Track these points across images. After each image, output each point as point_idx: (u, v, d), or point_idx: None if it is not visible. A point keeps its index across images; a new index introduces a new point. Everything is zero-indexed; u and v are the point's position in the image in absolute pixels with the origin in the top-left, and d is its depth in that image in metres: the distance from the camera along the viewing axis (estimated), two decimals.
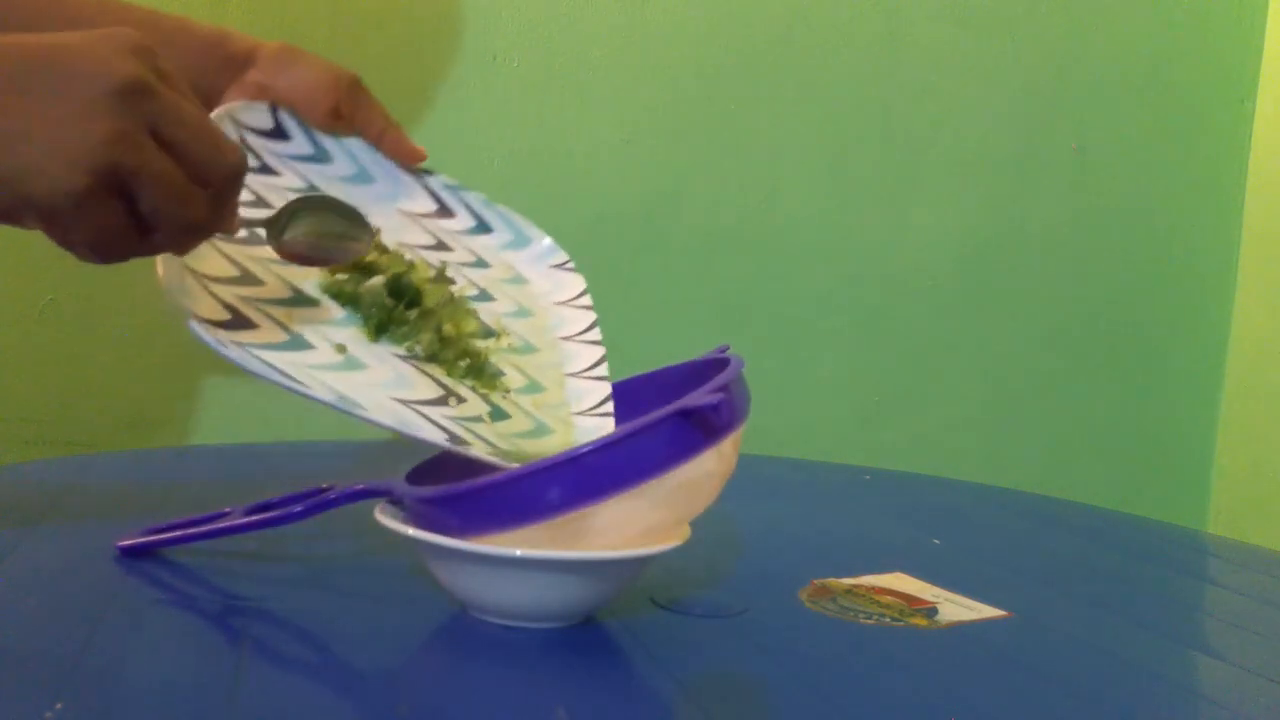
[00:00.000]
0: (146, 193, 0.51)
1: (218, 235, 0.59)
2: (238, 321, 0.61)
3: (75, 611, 0.59)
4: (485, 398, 0.69)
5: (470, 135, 1.32)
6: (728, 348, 0.65)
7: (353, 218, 0.66)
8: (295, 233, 0.63)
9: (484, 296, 0.76)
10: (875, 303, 1.48)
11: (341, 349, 0.65)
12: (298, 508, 0.65)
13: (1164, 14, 1.54)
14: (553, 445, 0.68)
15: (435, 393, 0.67)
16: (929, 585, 0.74)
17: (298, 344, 0.64)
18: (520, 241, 0.82)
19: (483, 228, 0.81)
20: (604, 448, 0.56)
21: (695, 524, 0.62)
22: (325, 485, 0.66)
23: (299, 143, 0.77)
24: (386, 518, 0.60)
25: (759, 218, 1.43)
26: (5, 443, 1.24)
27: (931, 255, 1.49)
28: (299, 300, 0.67)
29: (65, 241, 0.53)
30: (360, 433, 1.24)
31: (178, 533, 0.69)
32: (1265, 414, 1.57)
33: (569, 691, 0.54)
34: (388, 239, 0.74)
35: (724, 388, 0.57)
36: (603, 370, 0.75)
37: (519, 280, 0.80)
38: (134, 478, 0.93)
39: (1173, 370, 1.61)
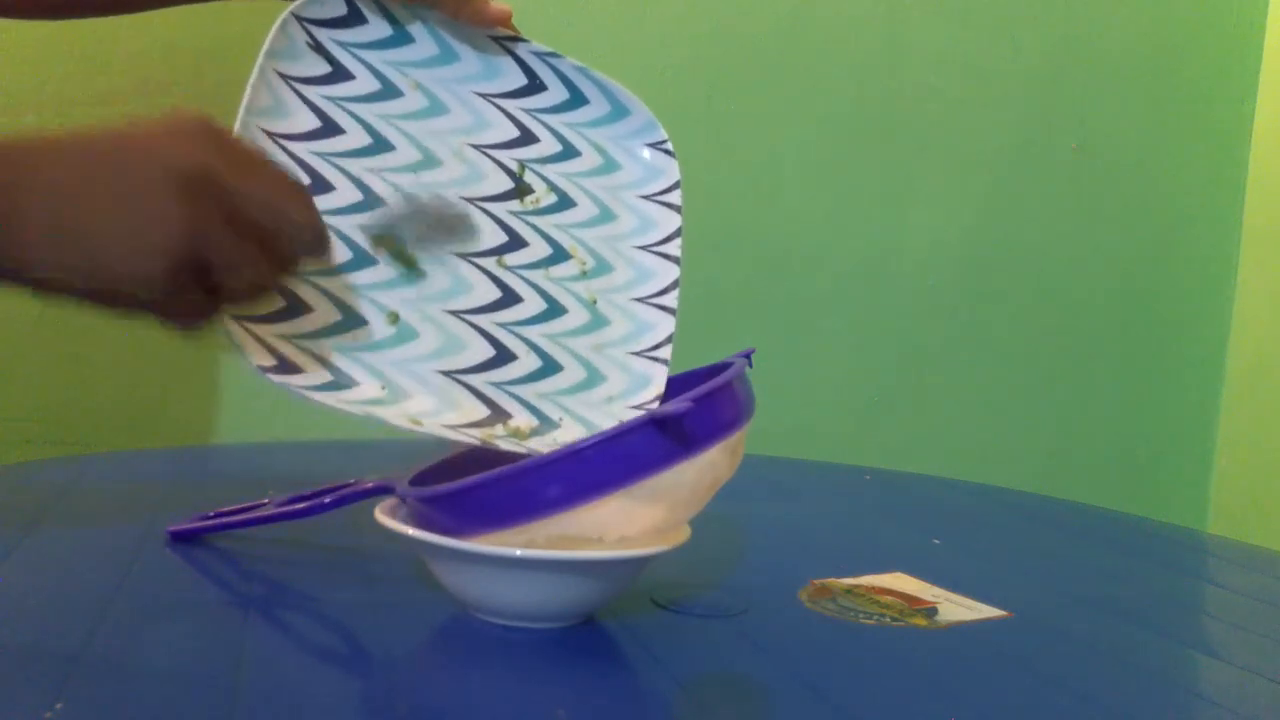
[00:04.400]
0: (221, 273, 0.54)
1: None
2: (284, 366, 0.61)
3: (75, 611, 0.59)
4: (539, 351, 0.69)
5: None
6: (753, 351, 0.64)
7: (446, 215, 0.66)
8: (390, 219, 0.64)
9: (563, 204, 0.73)
10: (875, 303, 1.48)
11: (394, 318, 0.65)
12: (326, 499, 0.68)
13: (1164, 14, 1.54)
14: (597, 397, 0.69)
15: (487, 354, 0.67)
16: (929, 585, 0.74)
17: (347, 324, 0.64)
18: (617, 113, 0.76)
19: (577, 100, 0.76)
20: (578, 452, 0.56)
21: (695, 524, 0.62)
22: (352, 480, 0.68)
23: (376, 25, 0.71)
24: (386, 518, 0.60)
25: (759, 218, 1.43)
26: (5, 443, 1.24)
27: (931, 255, 1.49)
28: (357, 263, 0.66)
29: (141, 317, 0.56)
30: (357, 432, 1.24)
31: (221, 520, 0.72)
32: (1265, 414, 1.57)
33: (569, 691, 0.54)
34: (464, 141, 0.71)
35: (697, 398, 0.56)
36: (672, 298, 0.73)
37: (608, 168, 0.76)
38: (133, 478, 0.93)
39: (1173, 370, 1.61)
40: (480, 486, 0.57)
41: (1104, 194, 1.55)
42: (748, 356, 0.63)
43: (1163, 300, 1.60)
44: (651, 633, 0.62)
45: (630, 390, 0.71)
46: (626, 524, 0.57)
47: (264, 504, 0.73)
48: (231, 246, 0.53)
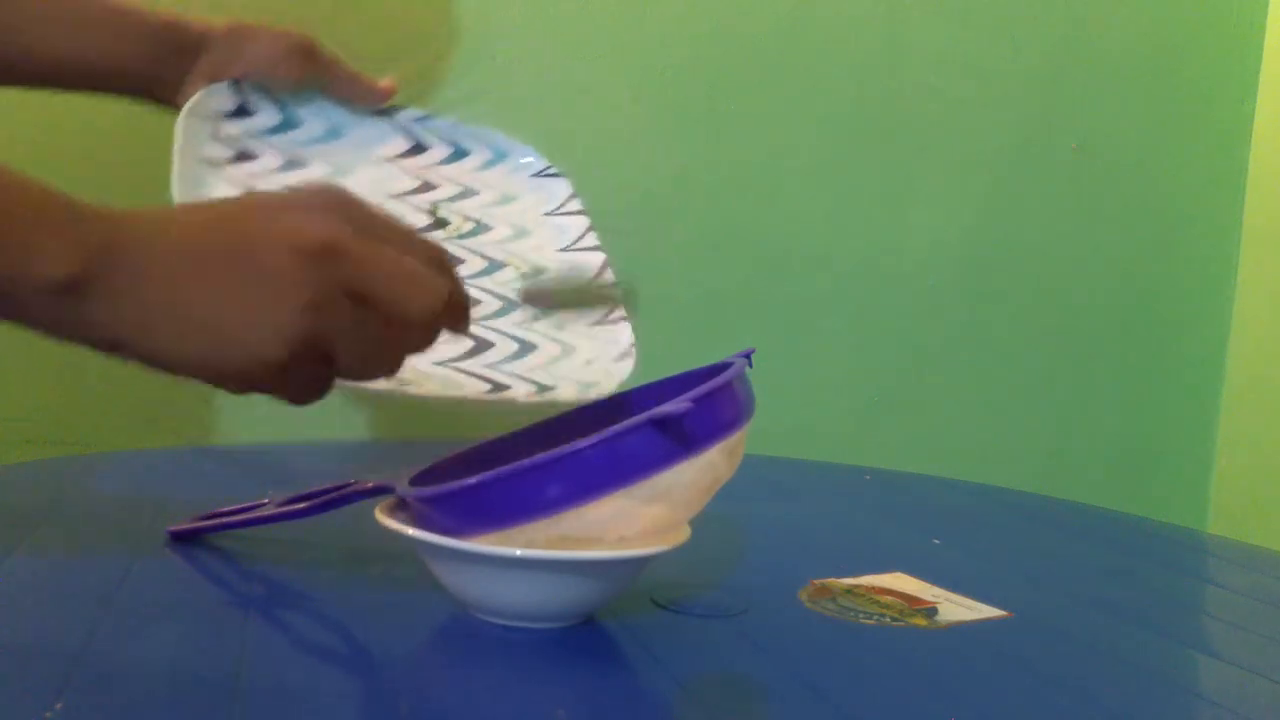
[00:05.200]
0: (342, 352, 0.51)
1: None
2: None
3: (75, 611, 0.59)
4: (512, 336, 0.72)
5: None
6: (753, 351, 0.64)
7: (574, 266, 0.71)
8: (545, 286, 0.67)
9: (481, 228, 0.77)
10: (875, 303, 1.48)
11: None
12: (326, 499, 0.68)
13: (1164, 14, 1.54)
14: (579, 360, 0.72)
15: (466, 345, 0.71)
16: (929, 585, 0.74)
17: None
18: (499, 156, 0.82)
19: (460, 153, 0.82)
20: (578, 452, 0.56)
21: (695, 524, 0.62)
22: (352, 480, 0.68)
23: (267, 113, 0.77)
24: (386, 518, 0.60)
25: (759, 218, 1.43)
26: (5, 443, 1.24)
27: (931, 255, 1.49)
28: None
29: (257, 392, 0.53)
30: (357, 432, 1.24)
31: (221, 520, 0.72)
32: (1265, 414, 1.57)
33: (569, 691, 0.54)
34: (373, 191, 0.75)
35: (697, 398, 0.56)
36: (608, 273, 0.78)
37: (508, 199, 0.81)
38: (133, 478, 0.93)
39: (1173, 370, 1.61)
40: (480, 486, 0.57)
41: (1104, 194, 1.55)
42: (748, 357, 0.63)
43: (1163, 300, 1.60)
44: (651, 633, 0.62)
45: (605, 350, 0.74)
46: (626, 524, 0.57)
47: (264, 504, 0.73)
48: (351, 324, 0.50)
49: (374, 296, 0.51)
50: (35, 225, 0.47)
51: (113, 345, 0.49)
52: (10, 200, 0.47)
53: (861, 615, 0.67)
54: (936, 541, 0.88)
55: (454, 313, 0.54)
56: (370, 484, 0.67)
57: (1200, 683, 0.64)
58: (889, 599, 0.70)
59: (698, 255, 1.41)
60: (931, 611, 0.69)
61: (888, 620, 0.66)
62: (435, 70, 1.31)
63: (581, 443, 0.56)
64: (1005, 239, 1.52)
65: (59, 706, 0.47)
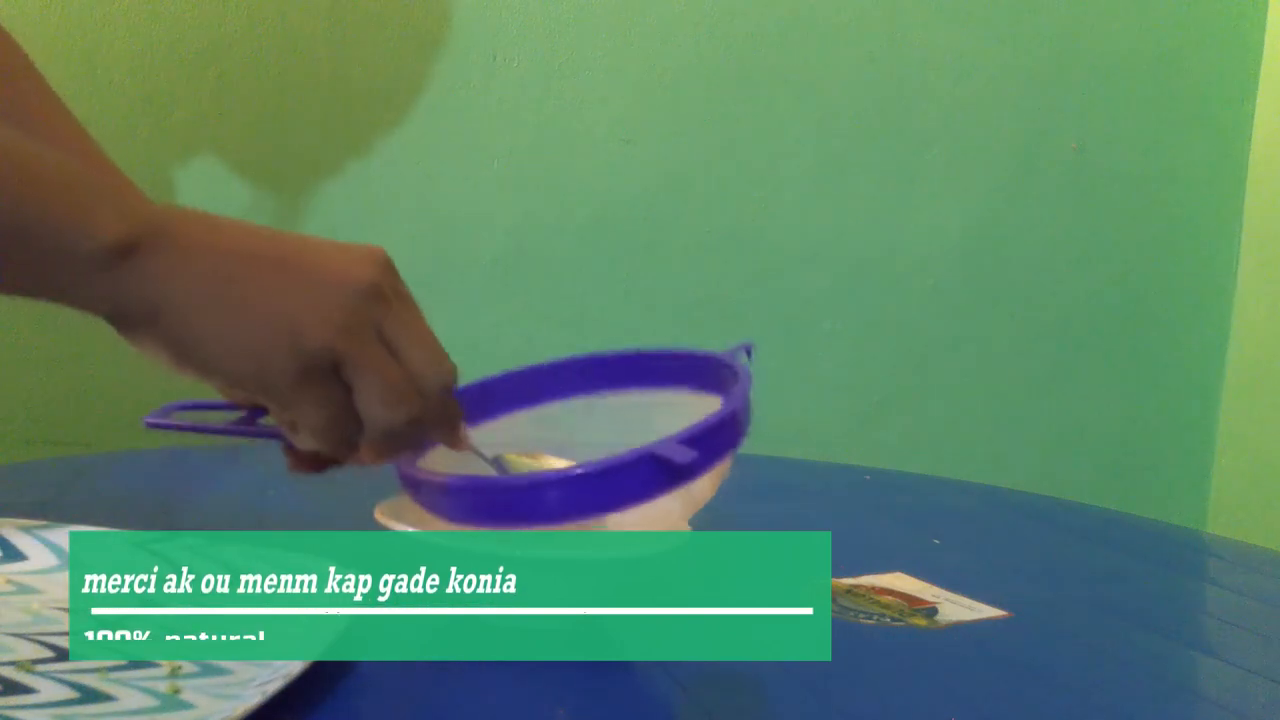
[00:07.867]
0: (362, 384, 0.52)
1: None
2: None
3: None
4: None
5: (470, 135, 1.32)
6: (751, 345, 0.62)
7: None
8: None
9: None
10: (875, 303, 1.48)
11: None
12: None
13: (1164, 14, 1.54)
14: None
15: None
16: (929, 585, 0.74)
17: None
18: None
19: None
20: (572, 478, 0.54)
21: (695, 524, 0.62)
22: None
23: None
24: (386, 517, 0.60)
25: (759, 218, 1.43)
26: (5, 443, 1.24)
27: (931, 255, 1.49)
28: None
29: (286, 420, 0.55)
30: None
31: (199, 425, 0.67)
32: (1265, 414, 1.57)
33: (569, 691, 0.54)
34: None
35: (698, 438, 0.54)
36: None
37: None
38: (134, 478, 0.93)
39: (1173, 370, 1.61)
40: (476, 489, 0.57)
41: (1104, 194, 1.55)
42: (748, 351, 0.62)
43: (1163, 300, 1.60)
44: None
45: None
46: (627, 516, 0.57)
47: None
48: (378, 359, 0.52)
49: (400, 347, 0.52)
50: (92, 190, 0.49)
51: (146, 318, 0.50)
52: (69, 168, 0.49)
53: (861, 615, 0.67)
54: (936, 541, 0.88)
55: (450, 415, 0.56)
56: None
57: (1200, 683, 0.64)
58: (889, 599, 0.70)
59: (698, 255, 1.41)
60: (931, 611, 0.69)
61: (888, 620, 0.66)
62: (434, 70, 1.31)
63: (576, 469, 0.54)
64: (1005, 239, 1.52)
65: None
